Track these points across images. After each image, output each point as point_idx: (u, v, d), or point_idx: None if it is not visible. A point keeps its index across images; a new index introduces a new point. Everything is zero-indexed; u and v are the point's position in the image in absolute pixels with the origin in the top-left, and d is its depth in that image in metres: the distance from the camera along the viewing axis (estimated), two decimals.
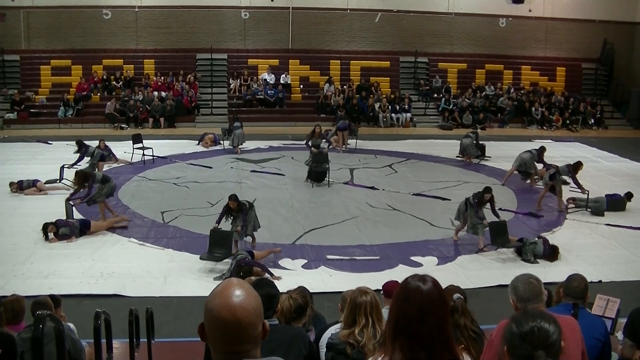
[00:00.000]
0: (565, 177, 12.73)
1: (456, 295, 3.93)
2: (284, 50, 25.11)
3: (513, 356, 2.20)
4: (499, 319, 2.94)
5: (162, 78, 23.43)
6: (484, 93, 24.94)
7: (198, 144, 18.46)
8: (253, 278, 5.95)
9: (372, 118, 23.19)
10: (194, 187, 13.68)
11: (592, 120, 24.44)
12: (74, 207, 11.15)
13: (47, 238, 9.95)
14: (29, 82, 23.14)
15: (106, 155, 14.63)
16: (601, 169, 16.49)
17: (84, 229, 10.23)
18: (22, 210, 11.72)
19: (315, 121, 19.77)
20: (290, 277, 8.59)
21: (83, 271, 8.77)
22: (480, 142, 17.29)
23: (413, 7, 25.19)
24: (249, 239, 9.92)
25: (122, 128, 21.13)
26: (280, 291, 4.12)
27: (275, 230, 10.83)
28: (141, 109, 21.82)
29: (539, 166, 14.38)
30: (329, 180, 14.17)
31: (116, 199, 11.97)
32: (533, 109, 24.24)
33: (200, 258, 9.24)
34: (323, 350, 3.96)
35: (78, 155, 14.10)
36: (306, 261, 9.42)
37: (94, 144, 14.63)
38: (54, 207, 11.22)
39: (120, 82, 23.27)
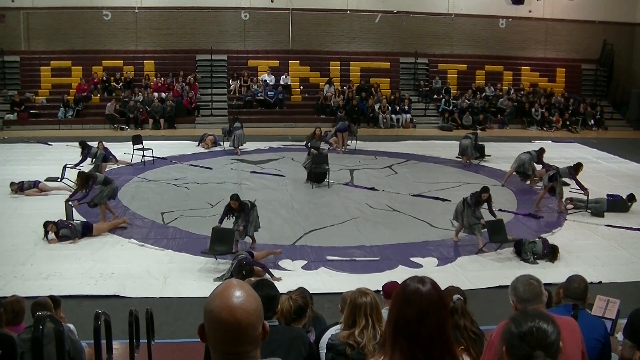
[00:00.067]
0: (565, 179, 12.74)
1: (456, 296, 3.93)
2: (284, 52, 25.12)
3: (512, 356, 2.20)
4: (498, 320, 2.94)
5: (162, 79, 23.43)
6: (483, 94, 24.96)
7: (198, 145, 18.46)
8: (253, 279, 5.94)
9: (372, 119, 23.20)
10: (194, 188, 13.68)
11: (592, 121, 24.45)
12: (73, 208, 11.16)
13: (46, 235, 9.94)
14: (29, 83, 23.15)
15: (108, 156, 14.63)
16: (601, 170, 16.50)
17: (86, 232, 10.21)
18: (22, 211, 11.72)
19: (315, 122, 19.78)
20: (290, 278, 8.60)
21: (83, 272, 8.76)
22: (480, 143, 17.27)
23: (413, 8, 25.20)
24: (248, 239, 9.92)
25: (122, 129, 21.14)
26: (280, 292, 4.12)
27: (275, 231, 10.83)
28: (141, 110, 21.83)
29: (538, 167, 14.40)
30: (328, 181, 14.17)
31: (116, 199, 11.96)
32: (533, 109, 24.25)
33: (202, 252, 9.29)
34: (323, 351, 3.96)
35: (81, 155, 14.13)
36: (306, 262, 9.42)
37: (94, 145, 14.64)
38: (54, 208, 11.21)
39: (120, 83, 23.27)
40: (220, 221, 9.73)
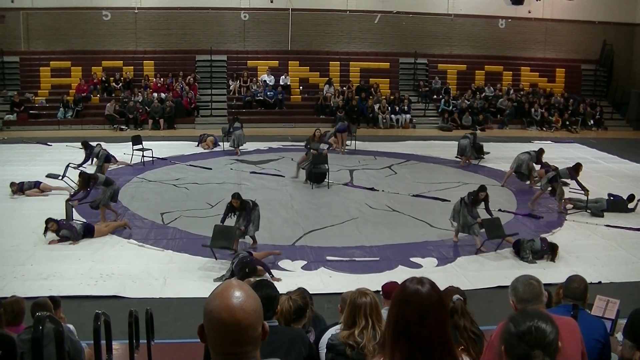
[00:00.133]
0: (566, 180, 12.75)
1: (456, 297, 3.94)
2: (284, 52, 25.13)
3: (510, 355, 2.21)
4: (498, 320, 2.94)
5: (162, 79, 23.43)
6: (483, 94, 24.97)
7: (197, 145, 18.46)
8: (252, 279, 5.94)
9: (372, 119, 23.21)
10: (194, 189, 13.67)
11: (592, 122, 24.46)
12: (73, 208, 11.17)
13: (45, 232, 9.96)
14: (29, 84, 23.16)
15: (112, 156, 14.63)
16: (601, 170, 16.50)
17: (87, 234, 10.19)
18: (22, 211, 11.72)
19: (315, 122, 19.80)
20: (289, 278, 8.59)
21: (83, 272, 8.76)
22: (478, 143, 17.21)
23: (412, 9, 25.20)
24: (249, 239, 9.93)
25: (121, 129, 21.14)
26: (280, 292, 4.12)
27: (274, 231, 10.83)
28: (141, 111, 21.83)
29: (537, 167, 14.41)
30: (328, 182, 14.17)
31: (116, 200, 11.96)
32: (532, 110, 24.26)
33: (202, 245, 9.35)
34: (323, 351, 3.96)
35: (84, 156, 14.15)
36: (306, 262, 9.42)
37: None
38: (54, 208, 11.21)
39: (120, 84, 23.28)
40: (222, 220, 9.76)
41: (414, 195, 13.47)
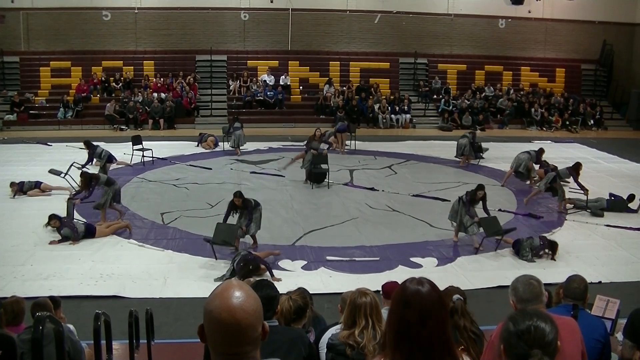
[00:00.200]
0: (566, 179, 12.76)
1: (456, 296, 3.94)
2: (284, 52, 25.13)
3: (509, 355, 2.20)
4: (498, 320, 2.94)
5: (162, 79, 23.44)
6: (483, 94, 24.97)
7: (198, 145, 18.46)
8: (252, 279, 5.95)
9: (372, 119, 23.21)
10: (194, 189, 13.68)
11: (592, 121, 24.47)
12: (75, 207, 11.16)
13: (46, 225, 10.02)
14: (29, 84, 23.16)
15: (114, 156, 14.62)
16: (601, 169, 16.50)
17: (88, 235, 10.18)
18: (22, 211, 11.71)
19: (315, 122, 19.80)
20: (290, 278, 8.59)
21: (83, 272, 8.76)
22: (477, 143, 17.17)
23: (412, 9, 25.20)
24: (249, 239, 9.93)
25: (121, 129, 21.14)
26: (280, 292, 4.12)
27: (274, 231, 10.82)
28: (141, 111, 21.83)
29: (537, 167, 14.42)
30: (328, 182, 14.17)
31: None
32: (532, 110, 24.27)
33: (204, 239, 9.35)
34: (323, 351, 3.96)
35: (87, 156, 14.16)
36: (306, 262, 9.41)
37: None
38: (54, 208, 11.18)
39: (120, 84, 23.28)
40: (225, 219, 9.78)
41: (414, 195, 13.47)
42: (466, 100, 24.22)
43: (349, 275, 8.94)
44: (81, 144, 15.44)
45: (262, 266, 8.67)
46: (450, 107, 23.99)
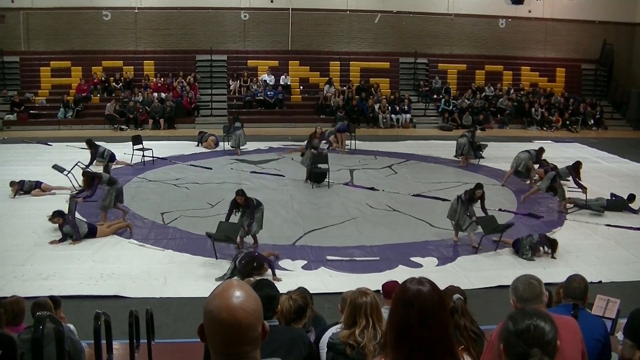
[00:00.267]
0: (566, 179, 12.76)
1: (456, 296, 3.94)
2: (284, 52, 25.13)
3: (509, 354, 2.20)
4: (498, 320, 2.94)
5: (162, 79, 23.44)
6: (483, 94, 24.97)
7: (198, 145, 18.46)
8: (252, 279, 5.95)
9: (372, 119, 23.21)
10: (194, 188, 13.68)
11: (592, 121, 24.47)
12: (77, 205, 11.16)
13: (50, 220, 10.04)
14: (29, 84, 23.17)
15: (115, 156, 14.64)
16: (601, 169, 16.51)
17: (89, 235, 10.18)
18: (23, 211, 11.71)
19: (315, 122, 19.80)
20: (290, 278, 8.59)
21: (83, 272, 8.76)
22: (476, 142, 17.16)
23: (412, 8, 25.21)
24: (249, 239, 9.92)
25: (121, 129, 21.15)
26: (280, 292, 4.12)
27: (275, 231, 10.82)
28: (141, 110, 21.84)
29: (536, 167, 14.42)
30: (328, 181, 14.17)
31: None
32: (533, 109, 24.27)
33: (206, 233, 9.38)
34: (323, 350, 3.96)
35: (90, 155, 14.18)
36: (306, 262, 9.41)
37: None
38: (55, 208, 11.17)
39: (120, 84, 23.29)
40: (227, 217, 9.79)
41: (414, 195, 13.46)
42: (466, 100, 24.22)
43: (349, 275, 8.94)
44: (82, 144, 15.47)
45: (265, 267, 8.66)
46: (451, 107, 23.99)
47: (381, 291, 5.17)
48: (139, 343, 5.56)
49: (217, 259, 9.33)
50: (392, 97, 24.01)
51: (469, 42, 26.29)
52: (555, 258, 9.66)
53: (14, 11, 23.11)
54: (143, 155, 15.88)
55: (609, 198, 12.62)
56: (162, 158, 16.38)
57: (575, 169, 12.64)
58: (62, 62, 23.46)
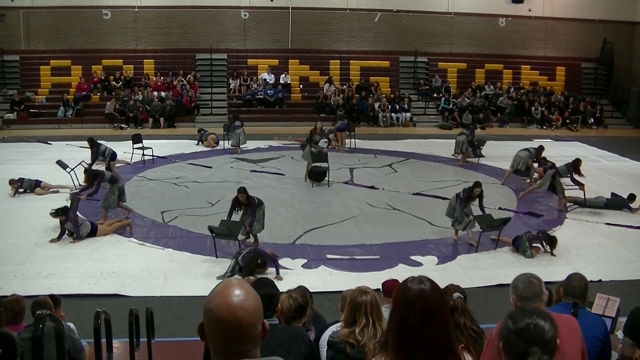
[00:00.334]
0: (566, 177, 12.76)
1: (456, 295, 3.93)
2: (284, 50, 25.12)
3: (508, 352, 2.20)
4: (498, 319, 2.94)
5: (162, 78, 23.43)
6: (483, 93, 24.96)
7: (197, 143, 18.46)
8: (252, 278, 5.94)
9: (372, 118, 23.20)
10: (194, 187, 13.68)
11: (592, 120, 24.47)
12: (79, 202, 11.17)
13: (53, 215, 10.01)
14: (29, 83, 23.16)
15: (116, 154, 14.62)
16: (601, 168, 16.50)
17: (90, 234, 10.18)
18: (22, 210, 11.71)
19: (315, 121, 19.71)
20: (290, 276, 8.59)
21: (83, 271, 8.76)
22: (476, 141, 17.15)
23: (412, 7, 25.20)
24: (250, 239, 9.93)
25: (121, 128, 21.14)
26: (280, 291, 4.12)
27: (275, 230, 10.82)
28: (141, 109, 21.83)
29: (536, 166, 14.41)
30: (328, 180, 14.17)
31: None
32: (533, 108, 24.26)
33: (208, 227, 9.40)
34: (323, 349, 3.96)
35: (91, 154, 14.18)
36: (306, 261, 9.42)
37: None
38: (56, 207, 11.16)
39: (120, 82, 23.28)
40: (229, 215, 9.79)
41: (414, 194, 13.46)
42: (466, 99, 24.21)
43: (349, 274, 8.94)
44: (81, 143, 15.46)
45: (268, 263, 8.66)
46: (451, 106, 23.99)
47: (381, 290, 5.17)
48: (139, 342, 5.56)
49: (217, 257, 9.33)
50: (392, 95, 24.01)
51: (469, 41, 26.28)
52: (554, 255, 9.67)
53: (14, 10, 23.10)
54: (143, 154, 15.87)
55: (609, 197, 12.62)
56: (162, 157, 16.38)
57: (574, 167, 12.64)
58: (62, 60, 23.46)
